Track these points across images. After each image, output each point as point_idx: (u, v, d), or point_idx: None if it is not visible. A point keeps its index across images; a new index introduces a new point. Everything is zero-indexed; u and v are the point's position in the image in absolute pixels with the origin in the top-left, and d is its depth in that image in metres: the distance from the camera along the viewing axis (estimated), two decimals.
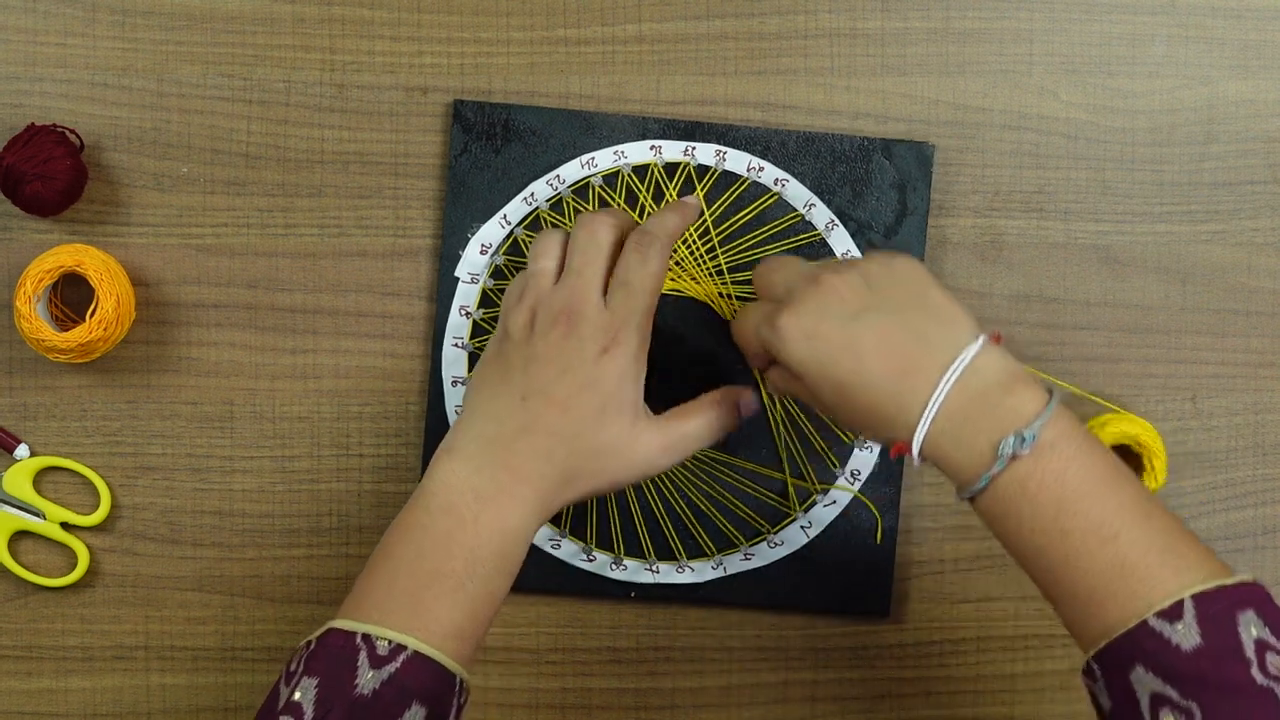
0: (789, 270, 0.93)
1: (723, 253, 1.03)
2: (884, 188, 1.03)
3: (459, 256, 1.03)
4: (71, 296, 1.03)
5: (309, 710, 0.83)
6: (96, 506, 1.04)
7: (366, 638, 0.85)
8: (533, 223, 1.03)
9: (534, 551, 1.03)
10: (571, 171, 1.03)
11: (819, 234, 1.03)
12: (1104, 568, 0.83)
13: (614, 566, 1.03)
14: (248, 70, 1.04)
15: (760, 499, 1.04)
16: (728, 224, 1.03)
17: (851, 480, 1.03)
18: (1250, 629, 0.80)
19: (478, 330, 1.03)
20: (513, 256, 1.03)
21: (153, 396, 1.05)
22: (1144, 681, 0.80)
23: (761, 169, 1.03)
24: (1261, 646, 0.80)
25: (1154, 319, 1.06)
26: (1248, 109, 1.06)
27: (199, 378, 1.04)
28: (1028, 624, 1.06)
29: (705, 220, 1.03)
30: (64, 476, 1.05)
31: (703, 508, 1.04)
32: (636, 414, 0.93)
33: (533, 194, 1.03)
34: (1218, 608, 0.81)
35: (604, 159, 1.03)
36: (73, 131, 1.02)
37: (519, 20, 1.04)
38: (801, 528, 1.03)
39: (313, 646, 0.86)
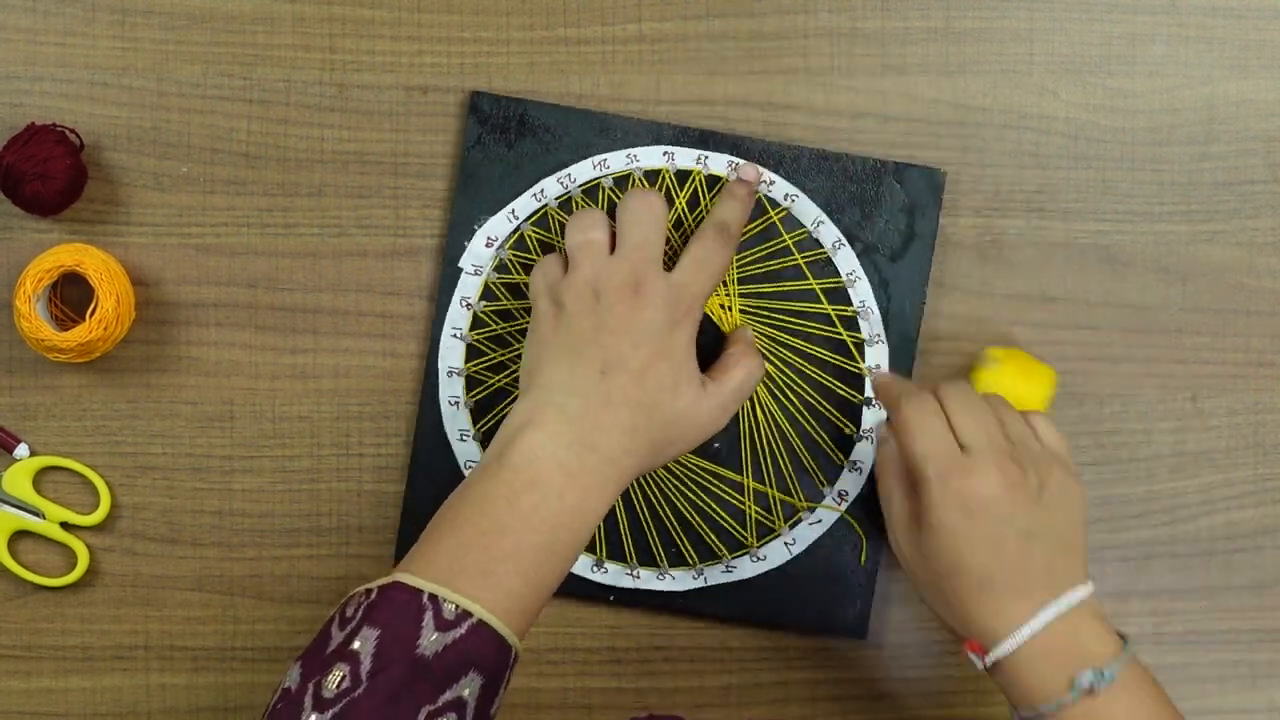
0: (984, 424, 0.93)
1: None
2: (893, 210, 1.03)
3: (464, 248, 1.03)
4: (71, 296, 1.03)
5: (366, 661, 0.83)
6: (96, 506, 1.04)
7: (434, 598, 0.85)
8: (540, 219, 1.03)
9: None
10: (583, 171, 1.03)
11: (825, 252, 1.03)
12: None
13: (595, 569, 1.03)
14: (248, 70, 1.04)
15: (745, 512, 1.04)
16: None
17: (839, 500, 1.03)
18: None
19: (478, 323, 1.03)
20: (518, 251, 1.03)
21: (153, 396, 1.05)
22: None
23: (773, 182, 1.03)
24: None
25: (1154, 319, 1.06)
26: (1248, 109, 1.06)
27: (199, 377, 1.04)
28: None
29: None
30: (64, 476, 1.05)
31: (688, 517, 1.03)
32: (701, 381, 0.96)
33: (542, 190, 1.03)
34: None
35: (616, 161, 1.03)
36: (73, 131, 1.02)
37: (519, 20, 1.04)
38: (785, 544, 1.03)
39: (374, 596, 0.85)
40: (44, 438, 1.04)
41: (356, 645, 0.83)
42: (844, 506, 1.03)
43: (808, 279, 1.03)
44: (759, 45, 1.05)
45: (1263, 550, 1.07)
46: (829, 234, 1.03)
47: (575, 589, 1.04)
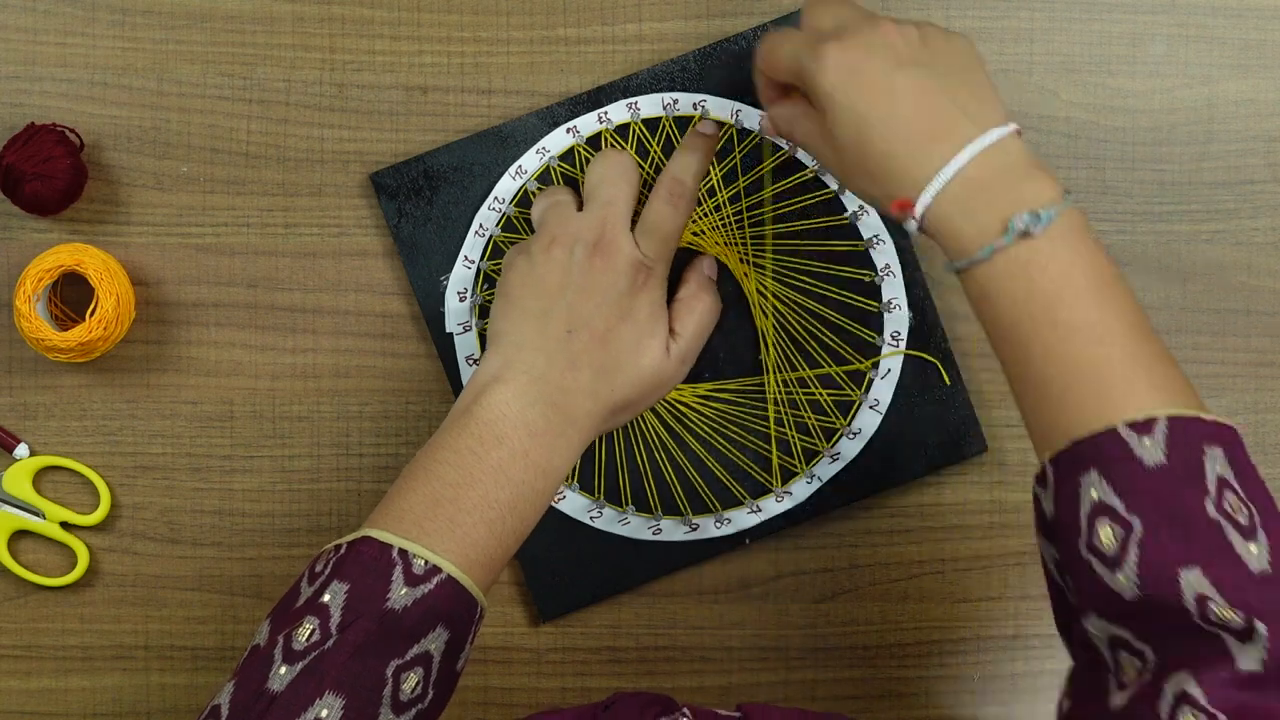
0: (844, 7, 0.91)
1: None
2: None
3: (442, 312, 1.03)
4: (71, 296, 1.03)
5: (336, 615, 0.83)
6: (96, 506, 1.04)
7: (404, 553, 0.85)
8: (494, 252, 1.03)
9: (639, 545, 1.04)
10: (506, 187, 1.03)
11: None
12: (1086, 367, 0.81)
13: (719, 524, 1.04)
14: (248, 70, 1.04)
15: (818, 400, 1.04)
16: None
17: (894, 342, 1.03)
18: (1215, 465, 0.79)
19: None
20: (491, 290, 1.03)
21: (153, 396, 1.05)
22: (1093, 487, 0.79)
23: (675, 101, 1.03)
24: (1222, 484, 0.79)
25: (1154, 319, 1.05)
26: (1248, 108, 1.06)
27: (199, 377, 1.05)
28: (1028, 624, 1.06)
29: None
30: (64, 476, 1.05)
31: (772, 433, 1.04)
32: (665, 340, 0.96)
33: (481, 225, 1.03)
34: (1189, 435, 0.79)
35: (530, 162, 1.03)
36: (73, 131, 1.02)
37: (519, 19, 1.04)
38: (870, 408, 1.04)
39: (343, 551, 0.86)
40: (44, 438, 1.04)
41: (326, 599, 0.84)
42: (902, 345, 1.03)
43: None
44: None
45: None
46: (752, 118, 1.03)
47: (709, 551, 1.04)
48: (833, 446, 1.04)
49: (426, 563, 0.85)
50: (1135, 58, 1.06)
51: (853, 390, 1.04)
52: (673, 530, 1.04)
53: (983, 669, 1.06)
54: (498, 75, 1.04)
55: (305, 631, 0.83)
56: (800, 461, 1.04)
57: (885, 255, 1.03)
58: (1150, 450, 0.79)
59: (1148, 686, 0.77)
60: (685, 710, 0.87)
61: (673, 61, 1.03)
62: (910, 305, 1.03)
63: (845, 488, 1.04)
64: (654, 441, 1.04)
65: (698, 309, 0.99)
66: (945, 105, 0.85)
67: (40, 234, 1.04)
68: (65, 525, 1.04)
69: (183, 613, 1.05)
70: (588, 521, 1.04)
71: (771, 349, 1.04)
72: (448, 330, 1.03)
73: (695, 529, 1.04)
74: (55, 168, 1.00)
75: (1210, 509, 0.78)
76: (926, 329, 1.03)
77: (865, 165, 0.87)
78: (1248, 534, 0.78)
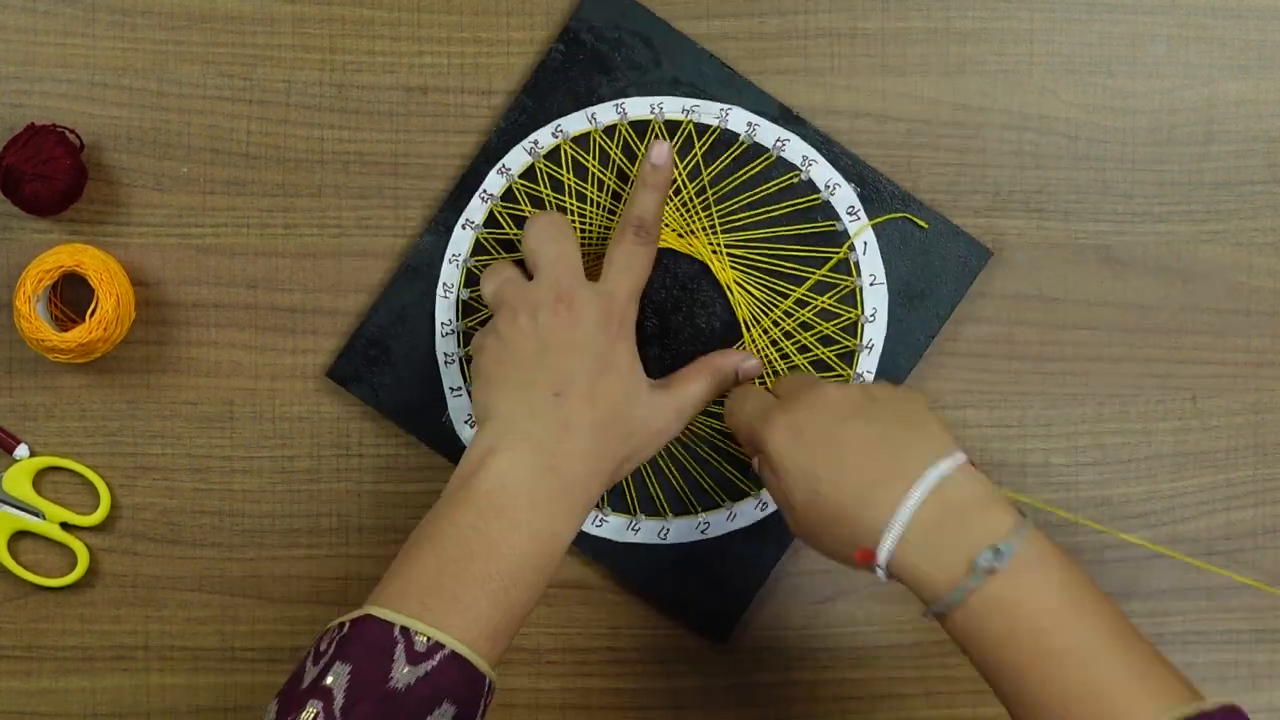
0: (800, 379, 0.96)
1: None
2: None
3: (463, 447, 1.02)
4: (71, 296, 1.03)
5: (339, 697, 0.82)
6: (96, 506, 1.04)
7: (405, 630, 0.84)
8: (465, 338, 1.03)
9: (759, 530, 1.04)
10: (445, 308, 1.03)
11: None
12: (1081, 690, 0.82)
13: (760, 508, 1.04)
14: (248, 70, 1.04)
15: (827, 334, 1.04)
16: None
17: (853, 216, 1.03)
18: None
19: None
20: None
21: (152, 396, 1.05)
22: None
23: (536, 143, 1.03)
24: None
25: (1154, 319, 1.06)
26: (1248, 109, 1.06)
27: (199, 378, 1.05)
28: None
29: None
30: (64, 476, 1.05)
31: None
32: (649, 387, 0.96)
33: (446, 354, 1.03)
34: None
35: (449, 275, 1.03)
36: (72, 131, 1.02)
37: (519, 19, 1.04)
38: (870, 295, 1.04)
39: (346, 630, 0.85)
40: (44, 438, 1.04)
41: (329, 681, 0.83)
42: (862, 218, 1.03)
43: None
44: (759, 45, 1.05)
45: (1263, 550, 1.07)
46: (821, 174, 1.03)
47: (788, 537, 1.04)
48: (863, 341, 1.04)
49: (429, 639, 0.84)
50: (1135, 58, 1.06)
51: (850, 310, 1.04)
52: (749, 513, 1.04)
53: None
54: (498, 75, 1.04)
55: (309, 716, 0.82)
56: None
57: (823, 173, 1.03)
58: None
59: None
60: None
61: (510, 111, 1.03)
62: (849, 179, 1.03)
63: (901, 367, 1.04)
64: (714, 436, 1.04)
65: (702, 381, 0.99)
66: (888, 451, 0.88)
67: (40, 234, 1.04)
68: (65, 526, 1.04)
69: (183, 613, 1.05)
70: (700, 537, 1.04)
71: (759, 293, 1.03)
72: (451, 421, 1.04)
73: (766, 508, 1.04)
74: (55, 168, 1.00)
75: None
76: (877, 191, 1.03)
77: (823, 522, 0.89)
78: None
